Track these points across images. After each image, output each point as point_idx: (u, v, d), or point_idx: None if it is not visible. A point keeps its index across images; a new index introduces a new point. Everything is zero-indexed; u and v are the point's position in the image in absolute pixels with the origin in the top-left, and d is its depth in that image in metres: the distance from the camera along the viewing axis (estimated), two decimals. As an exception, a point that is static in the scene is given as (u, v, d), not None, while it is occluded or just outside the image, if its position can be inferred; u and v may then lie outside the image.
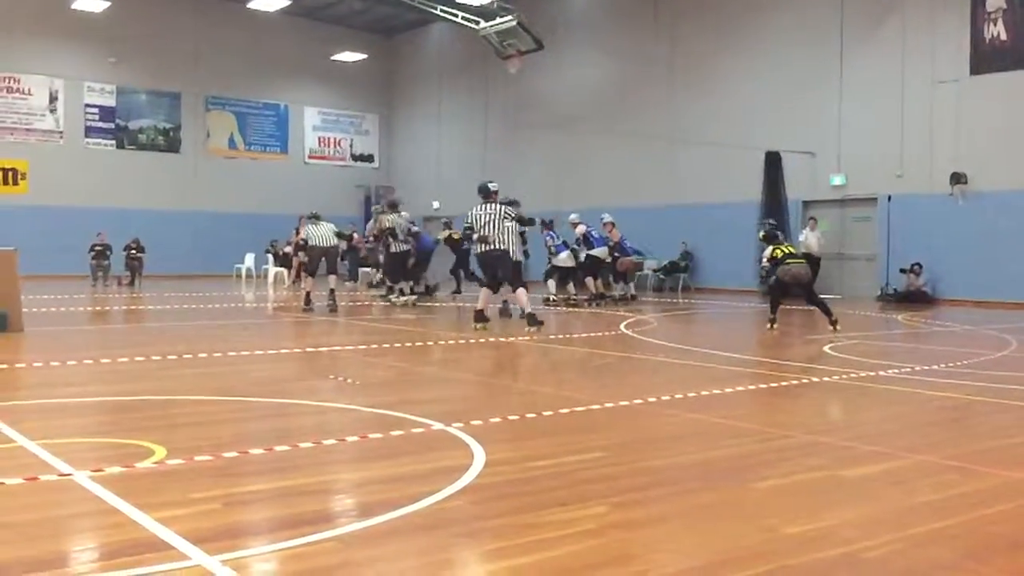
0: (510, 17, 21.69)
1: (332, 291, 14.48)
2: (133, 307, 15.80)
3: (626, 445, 4.99)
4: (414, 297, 15.54)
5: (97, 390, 6.71)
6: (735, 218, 20.17)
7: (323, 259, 14.70)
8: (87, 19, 24.93)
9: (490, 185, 11.36)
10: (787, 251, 11.50)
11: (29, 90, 24.95)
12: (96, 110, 26.00)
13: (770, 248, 11.58)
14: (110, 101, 26.24)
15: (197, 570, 2.92)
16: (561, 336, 10.92)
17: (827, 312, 11.17)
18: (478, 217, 11.17)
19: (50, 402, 6.15)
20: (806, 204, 19.59)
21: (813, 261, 15.95)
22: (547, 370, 8.43)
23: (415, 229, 16.03)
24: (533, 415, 5.65)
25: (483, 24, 22.22)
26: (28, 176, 24.64)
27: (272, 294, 19.61)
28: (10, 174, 24.69)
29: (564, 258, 15.98)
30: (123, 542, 3.21)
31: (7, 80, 24.61)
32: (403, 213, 15.96)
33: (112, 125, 26.23)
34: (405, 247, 15.51)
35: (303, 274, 16.28)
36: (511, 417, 5.57)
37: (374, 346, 9.65)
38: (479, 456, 4.47)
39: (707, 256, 21.39)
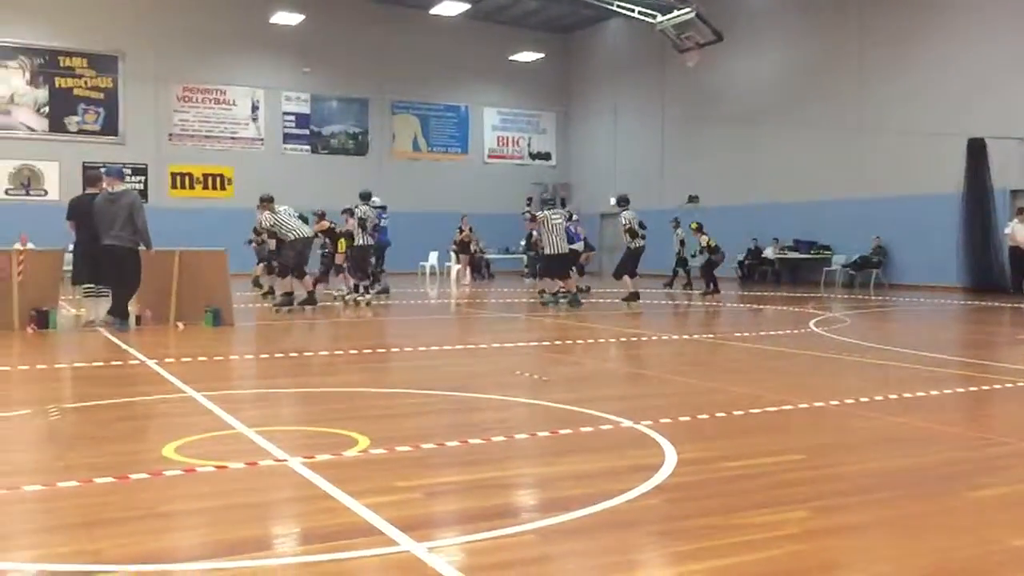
0: (688, 9, 21.33)
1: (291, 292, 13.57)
2: (327, 304, 16.65)
3: (824, 448, 4.81)
4: (368, 296, 15.09)
5: (301, 381, 7.14)
6: (933, 210, 18.99)
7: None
8: (284, 32, 26.53)
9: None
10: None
11: (234, 101, 26.80)
12: (292, 117, 27.61)
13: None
14: (305, 109, 27.79)
15: (406, 556, 3.05)
16: (746, 334, 10.66)
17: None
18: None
19: (261, 392, 6.60)
20: (1015, 193, 18.19)
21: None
22: (735, 368, 8.25)
23: (384, 222, 16.08)
24: (723, 414, 5.55)
25: (660, 18, 21.96)
26: (233, 181, 26.63)
27: (455, 291, 20.18)
28: (218, 179, 26.73)
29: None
30: (337, 526, 3.40)
31: (215, 93, 26.54)
32: (375, 200, 15.77)
33: (306, 131, 27.79)
34: (371, 240, 15.02)
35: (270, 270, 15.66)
36: (701, 416, 5.49)
37: (557, 342, 9.76)
38: (670, 455, 4.43)
39: (902, 251, 20.25)
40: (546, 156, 31.49)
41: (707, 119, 25.03)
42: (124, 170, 21.13)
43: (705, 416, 5.50)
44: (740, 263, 23.80)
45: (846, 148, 21.18)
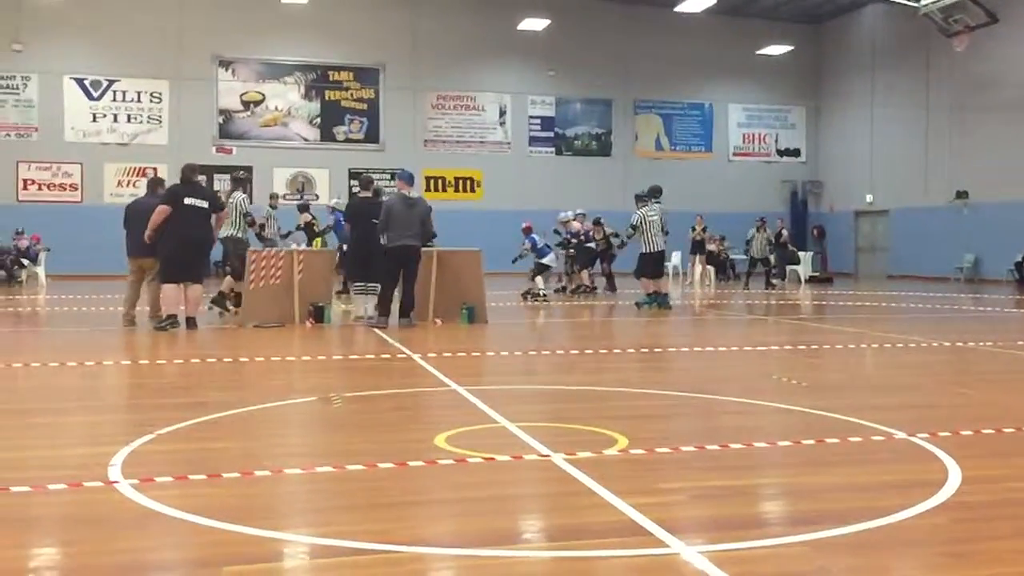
0: (959, -10, 19.74)
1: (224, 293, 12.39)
2: (571, 303, 16.93)
3: None
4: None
5: (555, 379, 7.31)
6: None
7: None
8: (530, 38, 27.25)
9: None
10: None
11: (483, 107, 27.88)
12: (538, 120, 28.31)
13: None
14: (550, 112, 28.40)
15: (675, 558, 3.05)
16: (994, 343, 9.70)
17: None
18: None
19: (519, 388, 6.83)
20: None
21: None
22: (1011, 380, 7.54)
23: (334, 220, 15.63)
24: (1012, 429, 5.09)
25: (925, 0, 20.46)
26: (483, 184, 27.72)
27: (699, 291, 19.86)
28: (468, 182, 27.92)
29: (552, 258, 17.09)
30: (604, 523, 3.45)
31: (466, 99, 27.74)
32: (336, 200, 15.74)
33: (551, 134, 28.39)
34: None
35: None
36: (985, 431, 5.07)
37: (813, 346, 9.36)
38: (954, 471, 4.12)
39: None
40: (795, 152, 30.25)
41: (979, 108, 23.01)
42: (379, 176, 22.61)
43: (990, 431, 5.07)
44: (1017, 265, 21.68)
45: None
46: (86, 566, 3.02)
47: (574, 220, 17.89)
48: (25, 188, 24.41)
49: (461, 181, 27.77)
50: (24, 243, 20.72)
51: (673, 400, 6.26)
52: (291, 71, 26.55)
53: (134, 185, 23.80)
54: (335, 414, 5.72)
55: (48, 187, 24.46)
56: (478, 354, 8.84)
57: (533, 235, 17.30)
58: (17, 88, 24.56)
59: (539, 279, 17.00)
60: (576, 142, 28.60)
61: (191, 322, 10.44)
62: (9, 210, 23.13)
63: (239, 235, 12.00)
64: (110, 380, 7.37)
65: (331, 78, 26.80)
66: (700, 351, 9.23)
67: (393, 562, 3.06)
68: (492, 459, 4.38)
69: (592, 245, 18.23)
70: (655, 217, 14.17)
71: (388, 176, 25.68)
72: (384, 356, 8.41)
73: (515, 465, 4.33)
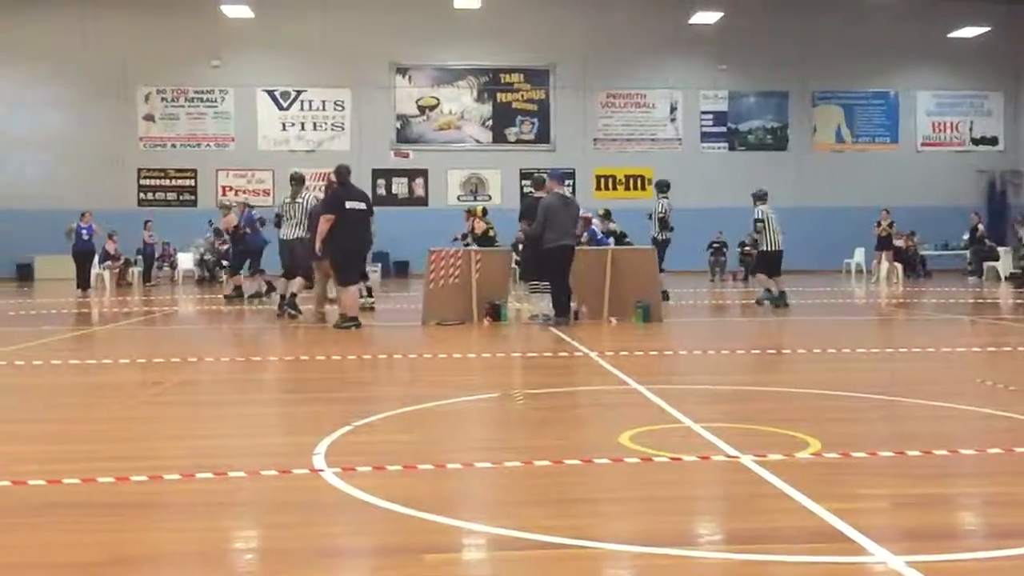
0: None
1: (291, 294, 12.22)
2: (747, 301, 16.50)
3: None
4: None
5: (736, 379, 7.14)
6: None
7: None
8: (701, 32, 26.74)
9: None
10: None
11: (653, 104, 27.61)
12: (710, 116, 27.75)
13: None
14: (722, 106, 27.78)
15: (883, 568, 2.92)
16: None
17: None
18: None
19: (701, 387, 6.73)
20: None
21: None
22: None
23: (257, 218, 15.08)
24: None
25: None
26: (653, 182, 27.45)
27: (885, 290, 18.90)
28: (638, 180, 27.73)
29: None
30: (797, 528, 3.35)
31: (635, 96, 27.56)
32: (246, 199, 15.20)
33: (724, 129, 27.76)
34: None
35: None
36: None
37: (1021, 348, 8.72)
38: None
39: None
40: (992, 141, 28.23)
41: None
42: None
43: None
44: None
45: None
46: (295, 549, 3.21)
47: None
48: (223, 194, 26.18)
49: (631, 179, 27.62)
50: (225, 246, 22.21)
51: (864, 402, 5.99)
52: (464, 75, 27.21)
53: (319, 189, 25.09)
54: (519, 410, 5.83)
55: (243, 193, 26.15)
56: (655, 353, 8.77)
57: (592, 227, 16.55)
58: (216, 101, 26.42)
59: None
60: (750, 137, 27.84)
61: (354, 321, 10.83)
62: (212, 214, 24.86)
63: (308, 236, 11.98)
64: (303, 374, 7.80)
65: (502, 80, 27.28)
66: (890, 352, 8.78)
67: (581, 557, 3.09)
68: (679, 459, 4.33)
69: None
70: (774, 214, 14.06)
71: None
72: (562, 354, 8.48)
73: (702, 466, 4.27)
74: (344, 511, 3.63)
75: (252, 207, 16.50)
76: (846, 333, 10.41)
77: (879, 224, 21.38)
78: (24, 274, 24.48)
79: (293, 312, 11.89)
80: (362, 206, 10.88)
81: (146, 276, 22.57)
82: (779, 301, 13.50)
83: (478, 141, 27.31)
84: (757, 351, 8.61)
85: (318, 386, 7.20)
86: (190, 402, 6.40)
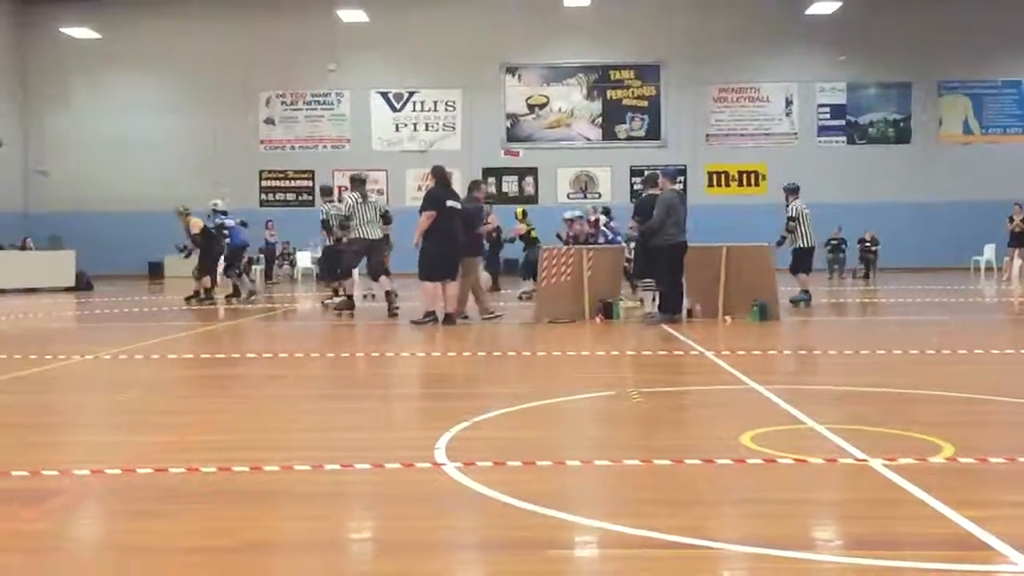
0: None
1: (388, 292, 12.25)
2: (868, 300, 15.97)
3: None
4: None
5: (859, 380, 6.90)
6: None
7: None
8: (819, 23, 25.93)
9: None
10: None
11: (767, 97, 26.96)
12: (827, 109, 26.92)
13: None
14: (840, 99, 26.90)
15: (1028, 578, 2.79)
16: None
17: None
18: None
19: (823, 388, 6.55)
20: None
21: None
22: None
23: (229, 222, 14.57)
24: None
25: None
26: (767, 177, 26.82)
27: (1018, 289, 17.96)
28: (752, 176, 27.15)
29: None
30: (936, 535, 3.23)
31: (749, 91, 26.97)
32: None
33: (842, 122, 26.88)
34: (331, 241, 14.04)
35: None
36: None
37: None
38: None
39: None
40: None
41: None
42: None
43: None
44: None
45: None
46: (422, 541, 3.28)
47: (575, 222, 15.63)
48: (339, 193, 26.90)
49: (744, 175, 27.06)
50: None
51: (997, 405, 5.72)
52: (574, 73, 27.18)
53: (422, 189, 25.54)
54: (635, 409, 5.80)
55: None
56: (774, 352, 8.57)
57: (604, 228, 15.97)
58: (332, 104, 27.17)
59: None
60: (871, 130, 26.88)
61: (449, 318, 10.97)
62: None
63: (359, 236, 12.31)
64: (418, 370, 7.95)
65: (612, 77, 27.12)
66: (1026, 354, 8.34)
67: (706, 557, 3.06)
68: (804, 461, 4.23)
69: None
70: (808, 211, 13.47)
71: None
72: (676, 353, 8.39)
73: (829, 468, 4.16)
74: (467, 505, 3.69)
75: (224, 212, 15.71)
76: (975, 334, 9.95)
77: (1012, 219, 20.30)
78: (155, 272, 25.74)
79: (395, 310, 12.14)
80: (458, 205, 11.13)
81: (267, 274, 23.39)
82: (808, 300, 13.20)
83: (588, 139, 27.24)
84: (882, 351, 8.30)
85: (435, 382, 7.34)
86: (314, 396, 6.61)
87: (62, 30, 26.38)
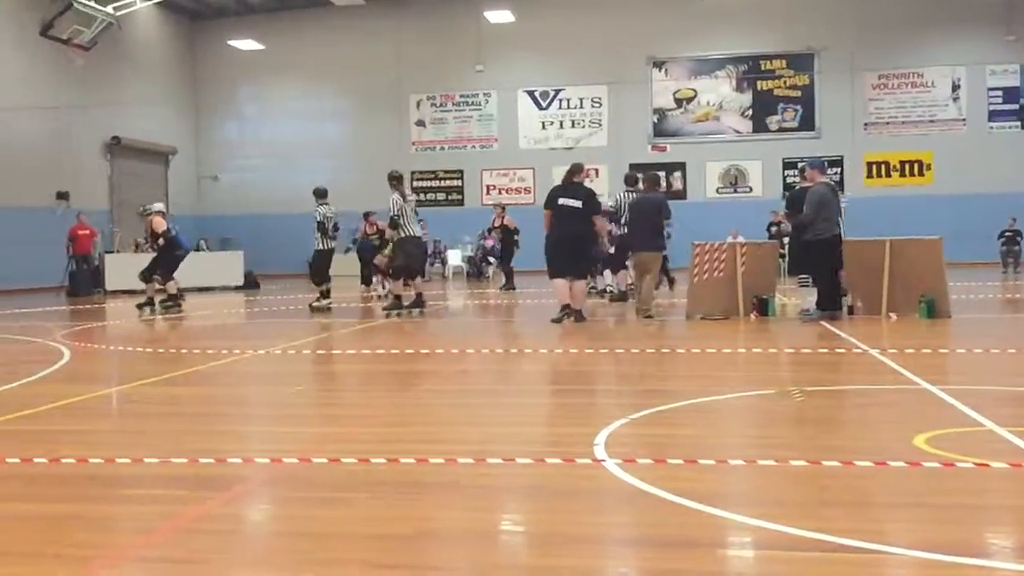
0: None
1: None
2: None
3: None
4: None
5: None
6: None
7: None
8: (986, 2, 24.40)
9: None
10: None
11: (932, 83, 25.57)
12: (999, 92, 25.29)
13: None
14: (1012, 81, 25.23)
15: None
16: None
17: None
18: None
19: (999, 389, 6.17)
20: None
21: None
22: None
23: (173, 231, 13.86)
24: None
25: None
26: (933, 166, 25.45)
27: None
28: (915, 165, 25.82)
29: None
30: None
31: (911, 76, 25.66)
32: (329, 205, 13.98)
33: (1015, 106, 25.19)
34: (332, 244, 14.32)
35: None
36: None
37: None
38: None
39: None
40: None
41: None
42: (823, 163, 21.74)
43: None
44: None
45: None
46: (585, 535, 3.30)
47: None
48: (487, 193, 27.33)
49: (907, 165, 25.78)
50: (490, 243, 23.15)
51: None
52: (722, 65, 26.62)
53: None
54: (798, 408, 5.63)
55: (506, 191, 27.15)
56: (945, 351, 8.13)
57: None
58: (480, 104, 27.63)
59: (607, 274, 14.64)
60: (1048, 113, 25.08)
61: (578, 315, 10.92)
62: (479, 213, 26.02)
63: (410, 234, 12.35)
64: (572, 366, 7.98)
65: (763, 67, 26.41)
66: None
67: (880, 563, 2.94)
68: (986, 465, 4.00)
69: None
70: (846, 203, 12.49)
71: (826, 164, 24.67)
72: (839, 350, 8.09)
73: (1014, 473, 3.92)
74: (629, 501, 3.69)
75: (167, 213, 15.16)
76: None
77: None
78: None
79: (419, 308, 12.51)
80: (577, 203, 10.97)
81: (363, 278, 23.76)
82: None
83: (737, 131, 26.62)
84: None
85: (589, 379, 7.36)
86: (469, 391, 6.76)
87: (229, 43, 27.96)
